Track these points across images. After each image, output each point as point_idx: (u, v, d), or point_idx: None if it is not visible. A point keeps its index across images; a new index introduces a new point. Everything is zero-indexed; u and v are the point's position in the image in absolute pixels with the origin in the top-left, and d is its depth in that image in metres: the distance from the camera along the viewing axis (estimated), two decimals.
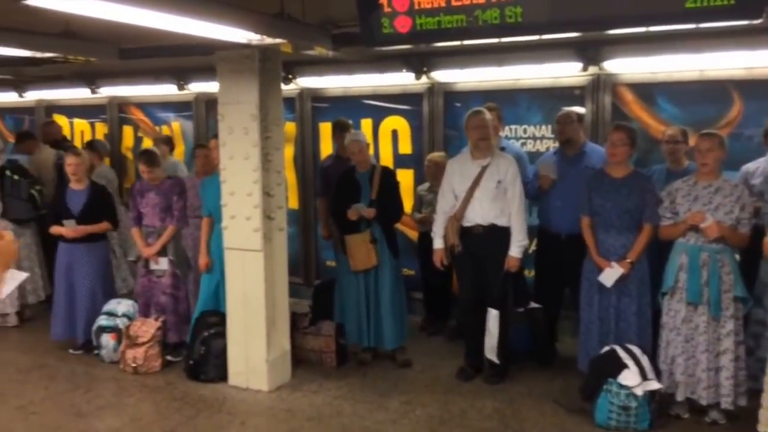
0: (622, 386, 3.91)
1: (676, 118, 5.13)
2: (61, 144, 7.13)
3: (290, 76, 6.47)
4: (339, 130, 5.87)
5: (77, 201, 5.31)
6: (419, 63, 5.87)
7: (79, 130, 8.26)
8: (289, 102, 6.79)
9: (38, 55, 4.26)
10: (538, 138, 5.75)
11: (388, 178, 5.07)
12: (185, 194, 5.27)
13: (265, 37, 3.53)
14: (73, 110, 8.29)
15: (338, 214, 5.07)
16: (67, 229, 5.23)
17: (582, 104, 5.49)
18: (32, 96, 8.35)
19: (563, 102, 5.50)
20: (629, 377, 3.92)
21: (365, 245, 4.86)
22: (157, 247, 5.06)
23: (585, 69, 5.31)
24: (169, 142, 6.98)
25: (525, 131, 5.81)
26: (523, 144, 5.75)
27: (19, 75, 7.18)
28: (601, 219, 4.27)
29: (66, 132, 8.09)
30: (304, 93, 6.73)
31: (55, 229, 5.31)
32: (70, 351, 5.31)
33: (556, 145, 5.30)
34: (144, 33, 4.22)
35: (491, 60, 5.52)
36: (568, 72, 5.46)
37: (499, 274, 4.52)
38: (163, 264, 5.06)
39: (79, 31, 4.37)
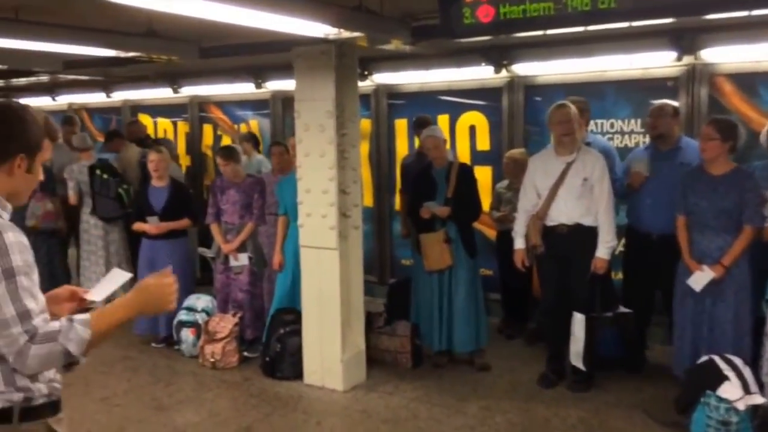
0: (721, 399, 3.60)
1: None
2: (145, 142, 7.34)
3: (366, 73, 6.40)
4: (419, 127, 5.74)
5: (159, 198, 5.43)
6: (499, 56, 5.68)
7: (162, 129, 8.48)
8: (364, 98, 6.72)
9: (122, 54, 4.35)
10: (626, 133, 5.44)
11: (466, 175, 4.91)
12: (265, 192, 5.29)
13: (342, 30, 3.45)
14: (156, 109, 8.51)
15: (413, 213, 4.96)
16: (150, 225, 5.35)
17: (675, 97, 5.14)
18: (119, 96, 8.65)
19: (654, 94, 5.17)
20: (730, 390, 3.61)
21: (439, 245, 4.73)
22: (236, 244, 5.10)
23: (679, 59, 4.99)
24: (253, 140, 7.03)
25: (612, 126, 5.51)
26: (610, 139, 5.45)
27: (107, 76, 7.43)
28: (696, 219, 3.98)
29: (150, 131, 8.34)
30: (379, 89, 6.65)
31: (137, 226, 5.45)
32: (152, 345, 5.44)
33: (647, 140, 5.00)
34: (223, 31, 4.26)
35: (576, 51, 5.27)
36: (660, 62, 5.14)
37: (585, 276, 4.29)
38: (242, 260, 5.10)
39: (161, 31, 4.43)
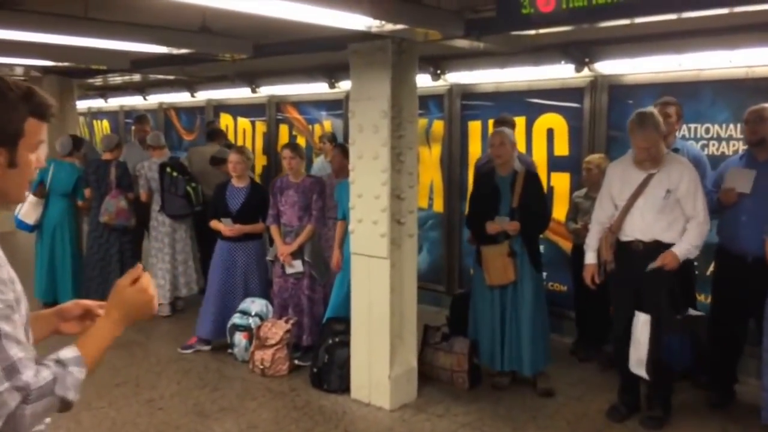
0: None
1: None
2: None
3: (438, 72, 6.11)
4: (499, 126, 5.29)
5: (236, 199, 5.37)
6: (580, 53, 5.21)
7: (241, 128, 8.56)
8: (437, 99, 6.46)
9: (174, 51, 4.31)
10: (723, 139, 4.83)
11: (532, 182, 4.50)
12: (325, 194, 5.10)
13: (384, 23, 3.18)
14: (237, 109, 8.60)
15: (474, 223, 4.60)
16: (224, 226, 5.30)
17: None
18: (202, 96, 8.82)
19: (757, 96, 4.52)
20: None
21: (502, 258, 4.36)
22: (294, 247, 4.94)
23: None
24: (334, 140, 6.89)
25: (707, 131, 4.90)
26: (705, 146, 4.86)
27: (187, 75, 7.56)
28: None
29: (231, 131, 8.43)
30: (453, 89, 6.32)
31: (214, 224, 5.41)
32: (179, 351, 5.32)
33: (744, 148, 4.39)
34: (279, 28, 4.13)
35: (667, 47, 4.74)
36: (765, 60, 4.50)
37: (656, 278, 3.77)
38: (297, 266, 4.93)
39: (215, 28, 4.34)
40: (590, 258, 4.15)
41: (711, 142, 4.88)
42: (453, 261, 6.50)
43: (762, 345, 3.60)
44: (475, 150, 6.24)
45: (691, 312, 3.88)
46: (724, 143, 4.82)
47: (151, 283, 1.61)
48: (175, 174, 6.22)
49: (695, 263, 4.58)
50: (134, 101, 10.10)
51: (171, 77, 7.88)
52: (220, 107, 8.81)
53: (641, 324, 3.81)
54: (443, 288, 6.51)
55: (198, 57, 5.30)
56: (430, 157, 6.58)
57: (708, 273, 4.80)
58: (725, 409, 4.18)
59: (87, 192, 6.32)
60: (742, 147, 4.68)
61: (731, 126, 4.78)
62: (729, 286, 4.14)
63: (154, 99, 9.69)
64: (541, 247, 4.84)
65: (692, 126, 4.92)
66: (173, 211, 6.23)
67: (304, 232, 4.98)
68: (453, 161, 6.40)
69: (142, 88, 9.49)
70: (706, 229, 3.84)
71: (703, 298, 4.73)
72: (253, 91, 7.97)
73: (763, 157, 4.02)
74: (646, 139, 3.79)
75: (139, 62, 5.83)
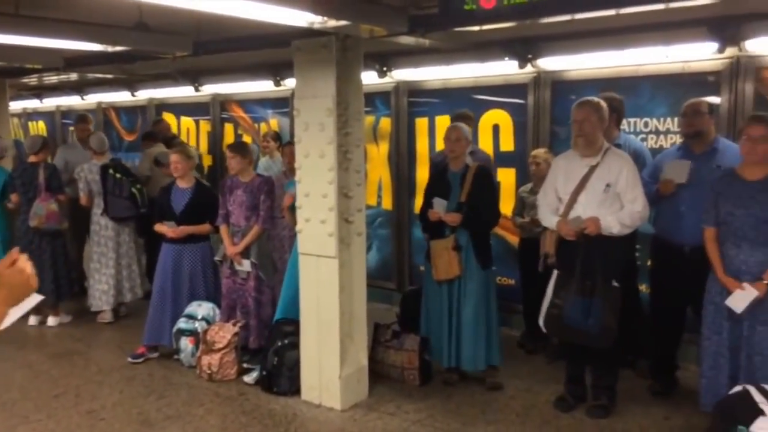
0: None
1: None
2: (171, 142, 7.21)
3: (385, 69, 6.09)
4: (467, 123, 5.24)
5: (181, 200, 5.22)
6: (523, 49, 5.28)
7: (185, 127, 8.37)
8: (384, 96, 6.44)
9: (110, 49, 4.15)
10: (662, 132, 4.96)
11: (483, 178, 4.52)
12: (273, 194, 4.99)
13: (326, 19, 3.13)
14: (180, 108, 8.40)
15: (423, 216, 4.60)
16: (167, 228, 5.14)
17: (717, 93, 4.65)
18: (143, 95, 8.58)
19: (694, 91, 4.67)
20: (765, 427, 3.15)
21: (447, 252, 4.37)
22: (240, 248, 4.83)
23: (722, 50, 4.50)
24: (278, 139, 6.78)
25: (646, 125, 5.03)
26: (644, 139, 4.98)
27: (127, 73, 7.33)
28: (730, 230, 3.51)
29: (174, 131, 8.23)
30: (400, 86, 6.31)
31: (158, 227, 5.25)
32: (129, 360, 5.14)
33: (681, 140, 4.51)
34: (219, 25, 4.02)
35: (607, 43, 4.85)
36: (700, 55, 4.65)
37: (605, 292, 3.83)
38: (246, 266, 4.82)
39: (153, 25, 4.21)
40: (554, 219, 4.02)
41: (650, 136, 5.01)
42: (403, 258, 6.50)
43: (701, 333, 3.69)
44: (422, 147, 6.26)
45: (613, 283, 3.88)
46: (662, 136, 4.96)
47: (28, 263, 1.67)
48: (118, 175, 6.03)
49: (637, 254, 4.70)
50: (71, 101, 9.75)
51: (109, 76, 7.63)
52: (162, 106, 8.58)
53: (552, 279, 3.93)
54: (394, 285, 6.51)
55: (137, 55, 5.13)
56: (378, 154, 6.56)
57: (649, 263, 4.94)
58: (668, 396, 4.30)
59: (13, 197, 6.03)
60: (679, 140, 4.81)
61: (669, 119, 4.92)
62: (667, 276, 4.25)
63: (93, 98, 9.36)
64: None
65: (632, 120, 5.04)
66: (117, 213, 6.04)
67: (251, 232, 4.88)
68: (401, 158, 6.39)
69: (79, 88, 9.16)
70: (641, 216, 3.90)
71: (644, 288, 4.85)
72: (197, 89, 7.79)
73: (699, 150, 4.13)
74: (578, 113, 3.90)
75: (74, 60, 5.61)
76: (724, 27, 4.34)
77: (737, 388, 3.37)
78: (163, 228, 5.17)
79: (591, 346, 3.92)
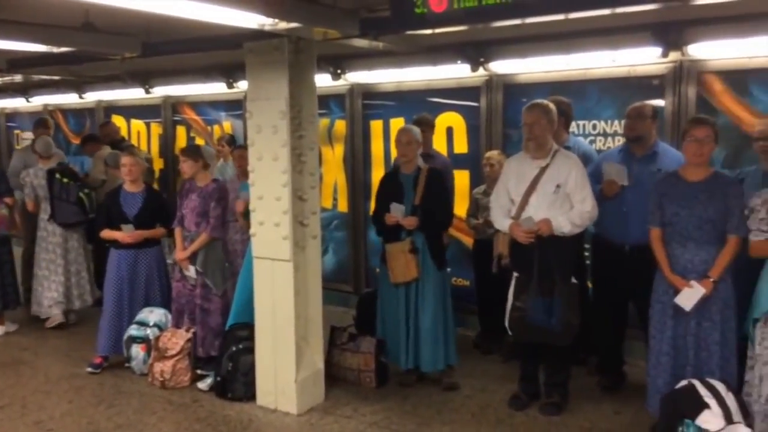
0: (701, 430, 3.26)
1: None
2: (119, 144, 7.05)
3: (339, 71, 6.08)
4: (419, 125, 5.22)
5: (133, 205, 5.09)
6: (475, 53, 5.34)
7: (135, 130, 8.20)
8: (338, 99, 6.43)
9: (55, 50, 4.04)
10: (609, 135, 5.09)
11: (435, 180, 4.56)
12: (225, 201, 4.89)
13: (278, 21, 3.11)
14: (130, 110, 8.23)
15: (378, 220, 4.61)
16: (124, 234, 5.00)
17: (662, 96, 4.79)
18: (92, 97, 8.38)
19: (639, 94, 4.82)
20: (710, 420, 3.26)
21: (405, 255, 4.39)
22: (187, 254, 4.75)
23: (665, 55, 4.62)
24: (233, 142, 6.69)
25: (595, 127, 5.15)
26: (593, 141, 5.10)
27: (74, 75, 7.14)
28: (675, 230, 3.61)
29: (124, 134, 8.05)
30: (354, 89, 6.32)
31: (107, 234, 5.07)
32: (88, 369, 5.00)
33: (622, 142, 4.65)
34: (169, 26, 3.96)
35: (556, 47, 4.94)
36: (645, 59, 4.78)
37: (564, 290, 3.91)
38: (192, 272, 4.74)
39: (101, 25, 4.11)
40: (507, 222, 4.07)
41: (598, 138, 5.13)
42: (359, 261, 6.50)
43: (648, 332, 3.80)
44: (377, 149, 6.27)
45: (571, 280, 3.98)
46: (609, 139, 5.08)
47: None
48: (65, 180, 5.87)
49: (586, 253, 4.80)
50: (16, 103, 9.45)
51: (56, 77, 7.42)
52: (111, 108, 8.39)
53: (512, 282, 4.01)
54: (350, 288, 6.50)
55: (84, 56, 5.01)
56: (333, 156, 6.55)
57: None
58: (617, 391, 4.40)
59: None
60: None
61: (616, 122, 5.04)
62: (608, 274, 4.36)
63: (38, 101, 9.09)
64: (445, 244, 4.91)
65: (581, 123, 5.16)
66: (65, 219, 5.88)
67: (198, 239, 4.77)
68: (356, 161, 6.39)
69: (24, 90, 8.88)
70: (590, 216, 3.99)
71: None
72: (147, 91, 7.64)
73: (640, 152, 4.25)
74: (528, 116, 3.98)
75: (18, 62, 5.44)
76: (668, 32, 4.47)
77: (683, 383, 3.47)
78: (117, 234, 5.03)
79: (555, 343, 4.00)
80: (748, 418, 3.33)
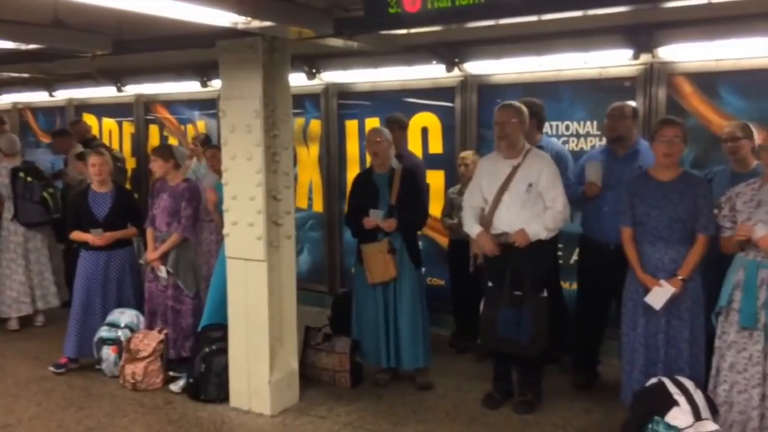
0: (670, 426, 3.30)
1: (743, 113, 4.45)
2: (90, 143, 6.94)
3: (314, 71, 6.06)
4: (389, 125, 5.18)
5: (102, 205, 5.01)
6: (450, 53, 5.36)
7: (107, 129, 8.08)
8: (313, 98, 6.41)
9: (23, 47, 3.97)
10: (582, 135, 5.15)
11: (410, 180, 4.57)
12: (196, 201, 4.83)
13: (251, 19, 3.09)
14: (102, 109, 8.11)
15: (353, 221, 4.61)
16: (94, 236, 4.92)
17: (632, 98, 4.85)
18: (62, 95, 8.23)
19: (611, 95, 4.88)
20: (679, 416, 3.30)
21: (383, 256, 4.39)
22: (157, 254, 4.69)
23: (636, 57, 4.69)
24: (207, 142, 6.61)
25: (567, 128, 5.21)
26: (566, 142, 5.15)
27: (44, 72, 7.01)
28: (646, 230, 3.66)
29: (95, 132, 7.94)
30: (329, 88, 6.30)
31: (77, 236, 4.99)
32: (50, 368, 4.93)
33: (603, 142, 4.70)
34: (141, 23, 3.91)
35: (529, 48, 4.97)
36: (616, 61, 4.84)
37: (534, 295, 3.94)
38: (162, 272, 4.69)
39: (71, 22, 4.05)
40: (476, 229, 4.11)
41: (571, 139, 5.18)
42: (334, 261, 6.49)
43: (621, 329, 3.85)
44: (353, 149, 6.27)
45: (542, 293, 4.01)
46: (582, 139, 5.14)
47: None
48: (29, 179, 5.77)
49: (560, 253, 4.86)
50: None
51: (25, 75, 7.27)
52: (82, 107, 8.25)
53: (485, 293, 4.03)
54: (325, 288, 6.49)
55: (54, 53, 4.92)
56: (309, 156, 6.52)
57: (572, 262, 5.11)
58: (590, 390, 4.45)
59: None
60: (599, 143, 5.02)
61: (588, 123, 5.10)
62: (593, 274, 4.39)
63: (7, 99, 8.90)
64: (420, 243, 4.93)
65: (554, 123, 5.20)
66: (28, 218, 5.78)
67: (169, 240, 4.72)
68: (331, 160, 6.38)
69: None
70: (563, 216, 4.02)
71: (568, 285, 5.02)
72: (119, 89, 7.51)
73: (622, 152, 4.30)
74: (500, 116, 4.02)
75: None
76: (638, 35, 4.53)
77: (653, 380, 3.52)
78: (86, 236, 4.96)
79: (523, 354, 4.06)
80: (716, 414, 3.39)
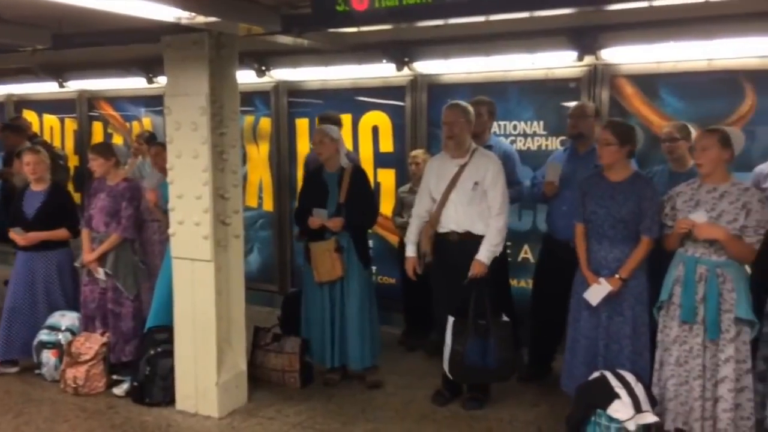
0: (612, 419, 3.40)
1: (682, 114, 4.60)
2: (31, 140, 6.71)
3: (263, 68, 6.00)
4: (322, 123, 5.24)
5: (33, 204, 4.84)
6: (400, 52, 5.38)
7: (48, 126, 7.83)
8: (263, 96, 6.34)
9: None
10: (529, 135, 5.23)
11: (359, 178, 4.56)
12: (137, 201, 4.69)
13: (194, 14, 3.04)
14: (43, 105, 7.85)
15: (301, 220, 4.58)
16: (14, 235, 4.75)
17: (578, 98, 4.95)
18: (1, 90, 7.94)
19: (557, 96, 5.02)
20: (620, 409, 3.40)
21: (330, 254, 4.37)
22: (95, 256, 4.55)
23: (580, 58, 4.78)
24: (152, 139, 6.44)
25: (515, 128, 5.28)
26: (513, 142, 5.23)
27: None
28: (593, 227, 3.75)
29: (36, 128, 7.68)
30: (279, 86, 6.24)
31: (11, 234, 4.83)
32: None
33: (549, 143, 4.80)
34: (84, 17, 3.78)
35: (477, 49, 5.03)
36: (562, 62, 4.94)
37: (470, 285, 4.00)
38: (101, 275, 4.56)
39: (9, 15, 3.90)
40: (410, 251, 4.29)
41: (518, 138, 5.26)
42: (285, 260, 6.43)
43: (567, 321, 3.93)
44: (303, 147, 6.22)
45: (503, 318, 4.11)
46: (529, 139, 5.22)
47: None
48: None
49: (507, 251, 4.92)
50: None
51: None
52: (22, 103, 7.98)
53: (448, 327, 4.04)
54: (275, 288, 6.43)
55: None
56: (259, 154, 6.45)
57: (519, 259, 5.20)
58: (539, 385, 4.52)
59: None
60: (545, 143, 5.11)
61: (535, 123, 5.19)
62: (551, 271, 4.44)
63: None
64: (370, 242, 4.93)
65: (502, 123, 5.27)
66: None
67: (108, 240, 4.58)
68: (282, 159, 6.32)
69: None
70: (502, 222, 4.06)
71: (516, 282, 5.10)
72: (61, 85, 7.29)
73: (583, 149, 4.38)
74: (448, 116, 4.07)
75: None
76: (583, 37, 4.62)
77: (596, 374, 3.61)
78: (15, 235, 4.79)
79: (494, 381, 4.18)
80: (656, 407, 3.50)
